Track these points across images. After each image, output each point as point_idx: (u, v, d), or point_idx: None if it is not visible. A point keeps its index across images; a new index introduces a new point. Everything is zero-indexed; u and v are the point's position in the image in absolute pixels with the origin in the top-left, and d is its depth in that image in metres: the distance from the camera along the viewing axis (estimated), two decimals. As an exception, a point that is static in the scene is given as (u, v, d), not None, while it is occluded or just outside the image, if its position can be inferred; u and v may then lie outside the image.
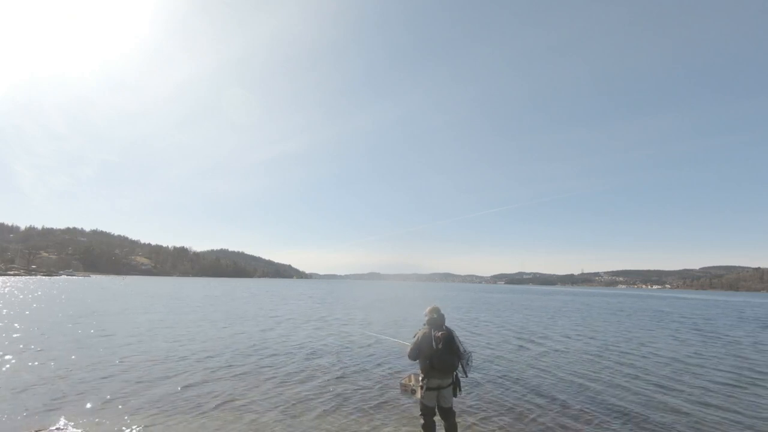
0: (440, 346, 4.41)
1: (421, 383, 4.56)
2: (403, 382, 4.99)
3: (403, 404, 6.41)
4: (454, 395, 4.65)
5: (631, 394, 7.44)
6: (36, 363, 8.55)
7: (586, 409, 6.46)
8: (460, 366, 4.56)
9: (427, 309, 4.83)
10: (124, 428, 5.16)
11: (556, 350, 12.15)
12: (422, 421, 4.61)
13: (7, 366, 8.27)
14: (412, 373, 4.77)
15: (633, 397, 7.21)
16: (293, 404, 6.30)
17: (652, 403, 6.87)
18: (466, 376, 4.78)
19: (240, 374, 8.10)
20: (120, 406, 5.98)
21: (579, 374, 8.92)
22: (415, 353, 4.60)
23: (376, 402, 6.48)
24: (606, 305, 40.74)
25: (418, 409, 4.69)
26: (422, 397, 4.57)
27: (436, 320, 4.67)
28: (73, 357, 9.28)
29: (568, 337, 15.15)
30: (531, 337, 15.06)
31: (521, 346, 12.76)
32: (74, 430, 5.06)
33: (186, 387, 7.10)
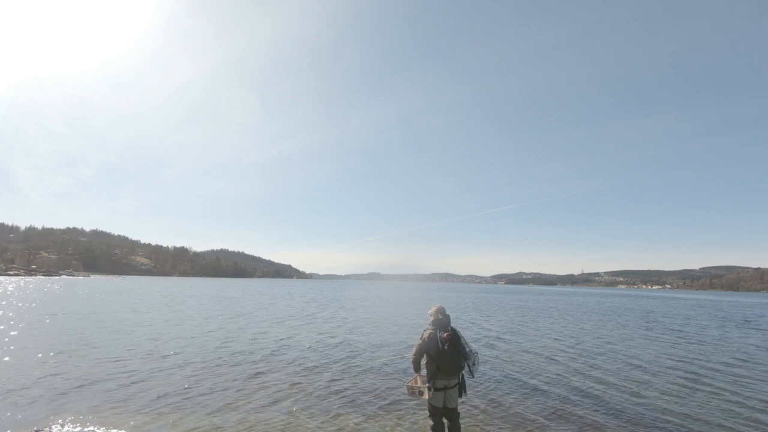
0: (446, 347, 4.41)
1: (428, 384, 4.55)
2: (409, 384, 4.79)
3: (367, 403, 6.70)
4: (460, 396, 4.67)
5: (590, 388, 7.81)
6: (32, 362, 8.91)
7: (544, 404, 6.80)
8: (466, 367, 4.58)
9: (432, 309, 4.75)
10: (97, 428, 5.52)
11: (533, 349, 12.53)
12: (431, 422, 4.65)
13: (4, 365, 8.65)
14: (417, 375, 4.75)
15: (597, 392, 7.57)
16: (261, 400, 6.63)
17: (604, 398, 7.22)
18: (473, 377, 4.77)
19: (221, 373, 8.43)
20: (105, 405, 6.31)
21: (546, 371, 9.28)
22: (419, 358, 4.63)
23: (335, 399, 6.81)
24: (598, 305, 41.18)
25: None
26: (430, 398, 4.57)
27: (442, 321, 4.65)
28: (66, 357, 9.62)
29: (549, 337, 15.55)
30: (511, 336, 15.44)
31: (500, 343, 13.17)
32: (68, 430, 5.37)
33: (176, 386, 7.43)
